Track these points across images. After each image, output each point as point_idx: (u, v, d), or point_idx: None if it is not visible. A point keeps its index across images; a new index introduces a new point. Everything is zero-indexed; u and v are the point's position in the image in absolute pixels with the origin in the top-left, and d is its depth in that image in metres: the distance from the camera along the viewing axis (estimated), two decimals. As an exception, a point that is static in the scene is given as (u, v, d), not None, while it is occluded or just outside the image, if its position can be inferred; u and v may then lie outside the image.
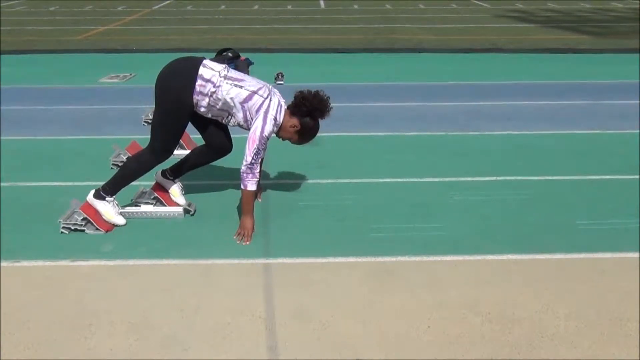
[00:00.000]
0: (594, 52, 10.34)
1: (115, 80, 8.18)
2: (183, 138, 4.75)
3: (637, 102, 6.87)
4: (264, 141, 3.62)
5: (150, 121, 5.82)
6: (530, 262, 3.42)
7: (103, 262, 3.40)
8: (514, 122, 6.17)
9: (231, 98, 3.60)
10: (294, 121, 3.71)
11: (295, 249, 3.56)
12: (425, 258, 3.45)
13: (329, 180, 4.61)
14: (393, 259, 3.44)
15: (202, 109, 3.67)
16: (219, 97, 3.60)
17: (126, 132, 5.68)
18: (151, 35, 12.05)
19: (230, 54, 7.62)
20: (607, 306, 2.98)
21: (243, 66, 7.46)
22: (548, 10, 16.39)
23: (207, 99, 3.61)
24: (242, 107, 3.63)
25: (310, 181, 4.59)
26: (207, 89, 3.58)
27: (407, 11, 16.13)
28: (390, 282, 3.20)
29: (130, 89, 7.74)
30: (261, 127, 3.59)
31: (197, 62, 3.63)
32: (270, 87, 3.77)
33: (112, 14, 15.44)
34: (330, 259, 3.43)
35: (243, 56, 7.92)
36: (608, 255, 3.49)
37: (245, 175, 3.63)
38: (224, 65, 3.70)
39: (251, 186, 3.65)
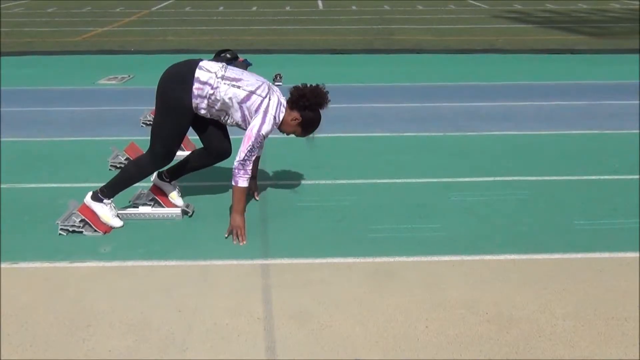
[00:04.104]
0: (592, 53, 10.36)
1: (113, 82, 8.18)
2: (181, 139, 4.75)
3: (636, 102, 6.89)
4: (260, 139, 3.61)
5: (148, 122, 5.85)
6: (528, 262, 3.42)
7: (101, 264, 3.40)
8: (512, 123, 6.18)
9: (229, 98, 3.60)
10: (295, 114, 3.71)
11: (293, 249, 3.56)
12: (423, 258, 3.46)
13: (328, 181, 4.61)
14: (391, 259, 3.44)
15: (202, 111, 3.66)
16: (217, 98, 3.59)
17: (124, 134, 5.69)
18: (149, 37, 12.05)
19: (228, 55, 7.63)
20: (605, 306, 2.99)
21: (241, 67, 7.47)
22: (546, 11, 16.41)
23: (205, 101, 3.60)
24: (241, 107, 3.62)
25: (308, 182, 4.59)
26: (205, 91, 3.57)
27: (406, 12, 16.15)
28: (388, 283, 3.20)
29: (128, 91, 7.74)
30: (259, 125, 3.58)
31: (193, 65, 3.62)
32: (270, 84, 3.76)
33: (110, 15, 15.44)
34: (329, 260, 3.44)
35: (241, 57, 7.94)
36: (606, 255, 3.50)
37: (237, 171, 3.61)
38: (220, 65, 3.67)
39: (242, 182, 3.63)
